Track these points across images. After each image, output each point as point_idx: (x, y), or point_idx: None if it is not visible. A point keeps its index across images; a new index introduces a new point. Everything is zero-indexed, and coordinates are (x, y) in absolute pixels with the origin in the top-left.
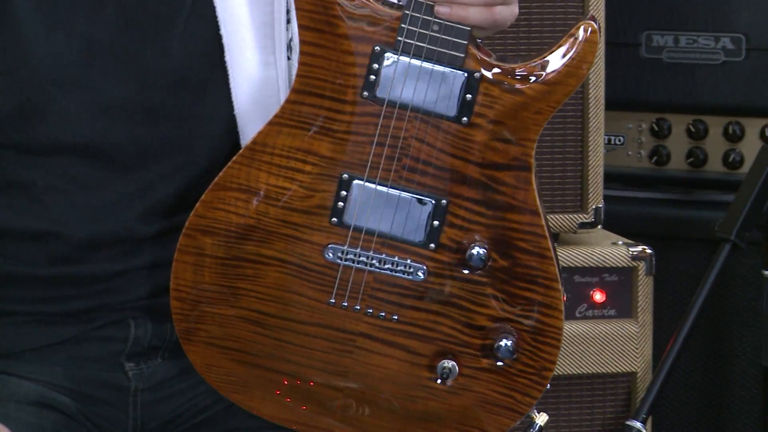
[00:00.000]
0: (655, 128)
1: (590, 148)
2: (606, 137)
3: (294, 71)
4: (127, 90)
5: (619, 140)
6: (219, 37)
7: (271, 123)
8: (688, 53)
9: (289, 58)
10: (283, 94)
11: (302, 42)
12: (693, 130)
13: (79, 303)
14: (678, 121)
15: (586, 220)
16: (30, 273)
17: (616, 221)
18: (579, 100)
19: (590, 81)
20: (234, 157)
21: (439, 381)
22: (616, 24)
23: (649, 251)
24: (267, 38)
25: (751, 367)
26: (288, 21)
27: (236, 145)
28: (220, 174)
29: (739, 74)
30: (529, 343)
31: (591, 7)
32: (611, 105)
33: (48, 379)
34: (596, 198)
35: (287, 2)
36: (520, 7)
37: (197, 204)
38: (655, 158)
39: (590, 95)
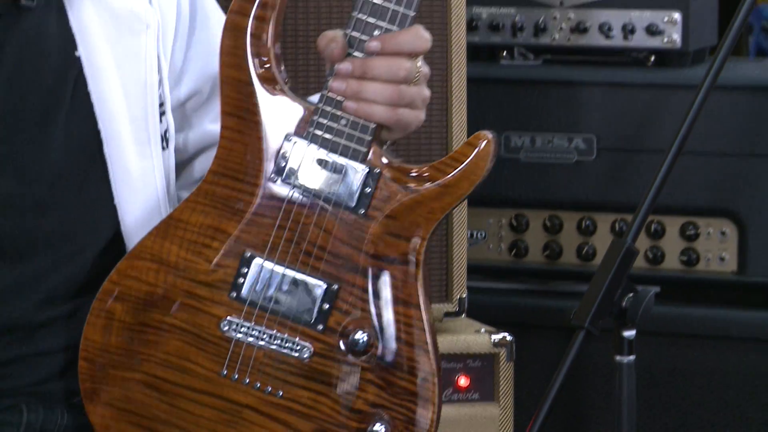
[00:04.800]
0: (514, 223)
1: (454, 243)
2: (469, 232)
3: (171, 161)
4: (10, 185)
5: (481, 235)
6: (97, 132)
7: (187, 200)
8: (544, 153)
9: (164, 149)
10: (160, 183)
11: (223, 127)
12: (549, 225)
13: None
14: (535, 217)
15: (451, 310)
16: None
17: (479, 310)
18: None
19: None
20: (151, 229)
21: None
22: (478, 126)
23: (509, 338)
24: (142, 131)
25: None
26: (162, 113)
27: (118, 232)
28: (136, 244)
29: (591, 173)
30: None
31: (454, 110)
32: (473, 202)
33: None
34: (460, 289)
35: (160, 96)
36: None
37: (112, 272)
38: (514, 251)
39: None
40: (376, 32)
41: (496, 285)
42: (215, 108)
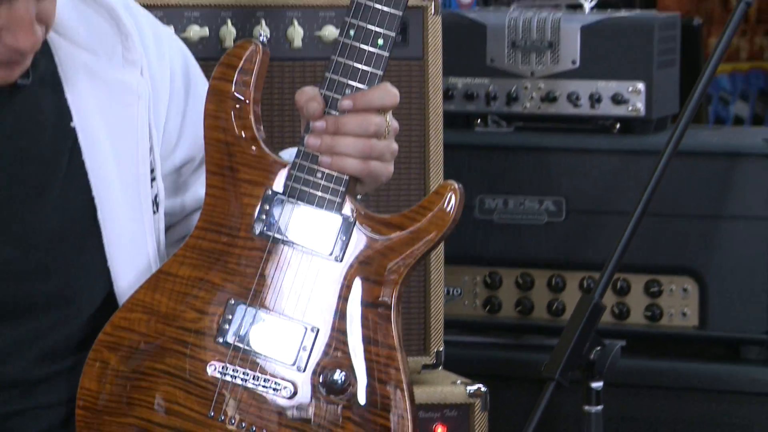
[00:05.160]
0: (488, 281)
1: (432, 299)
2: (445, 289)
3: (161, 224)
4: (10, 252)
5: (457, 291)
6: (92, 199)
7: (176, 255)
8: (516, 214)
9: (155, 212)
10: (151, 245)
11: (208, 185)
12: (521, 282)
13: None
14: (508, 275)
15: (428, 362)
16: None
17: (455, 363)
18: None
19: None
20: (142, 283)
21: None
22: None
23: (484, 389)
24: (134, 197)
25: None
26: (153, 179)
27: (111, 291)
28: (129, 298)
29: (560, 233)
30: None
31: (431, 173)
32: (450, 260)
33: None
34: (437, 342)
35: (151, 162)
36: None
37: (106, 324)
38: (488, 307)
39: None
40: (348, 91)
41: (471, 339)
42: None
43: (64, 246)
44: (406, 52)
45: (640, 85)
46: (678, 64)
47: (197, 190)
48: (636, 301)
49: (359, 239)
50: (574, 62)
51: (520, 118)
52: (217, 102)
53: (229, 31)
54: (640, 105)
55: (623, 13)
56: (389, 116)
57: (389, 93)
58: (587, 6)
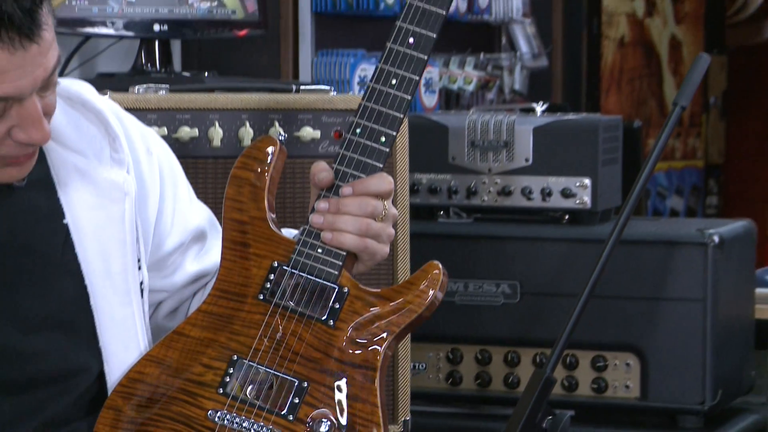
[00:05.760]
0: (450, 356)
1: (399, 373)
2: (411, 363)
3: (146, 306)
4: (11, 335)
5: (422, 366)
6: (84, 287)
7: (189, 318)
8: (475, 296)
9: (141, 296)
10: (139, 326)
11: (223, 258)
12: (480, 357)
13: None
14: (468, 351)
15: (397, 431)
16: None
17: (421, 431)
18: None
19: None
20: (159, 341)
21: None
22: None
23: None
24: (122, 284)
25: None
26: (139, 267)
27: (102, 370)
28: (145, 354)
29: (515, 313)
30: None
31: (399, 260)
32: (415, 338)
33: None
34: (405, 412)
35: (138, 252)
36: None
37: (123, 376)
38: (450, 380)
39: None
40: (351, 179)
41: (435, 409)
42: (193, 251)
43: (60, 330)
44: None
45: (587, 181)
46: (620, 161)
47: (186, 268)
48: (584, 375)
49: (352, 308)
50: (527, 160)
51: (479, 210)
52: (237, 187)
53: (216, 132)
54: (587, 198)
55: (571, 115)
56: (388, 203)
57: (385, 180)
58: (539, 109)
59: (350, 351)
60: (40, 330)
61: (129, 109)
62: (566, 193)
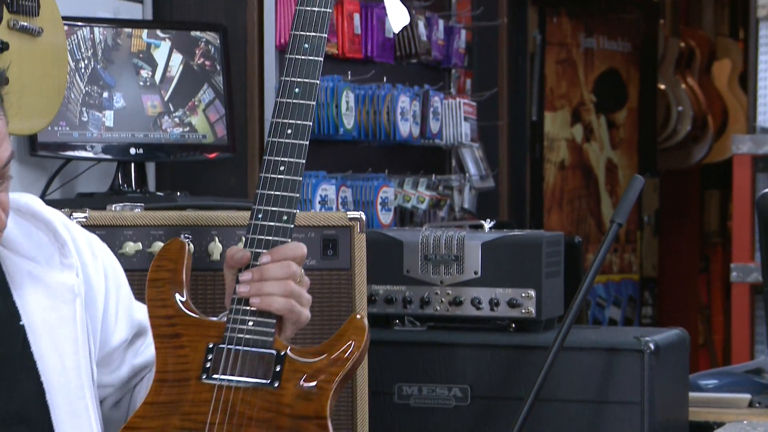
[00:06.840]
0: None
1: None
2: None
3: (97, 401)
4: None
5: None
6: (41, 383)
7: (137, 412)
8: (429, 399)
9: (93, 390)
10: (94, 419)
11: (157, 350)
12: None
13: None
14: None
15: None
16: None
17: None
18: (349, 396)
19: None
20: None
21: None
22: (376, 377)
23: None
24: (76, 378)
25: None
26: (91, 361)
27: None
28: None
29: (466, 415)
30: None
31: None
32: None
33: None
34: None
35: (89, 348)
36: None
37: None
38: None
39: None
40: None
41: None
42: (135, 346)
43: (23, 425)
44: (336, 263)
45: (532, 292)
46: (562, 274)
47: (131, 362)
48: None
49: (291, 367)
50: (476, 273)
51: (432, 318)
52: (156, 288)
53: (158, 246)
54: (532, 308)
55: (516, 232)
56: (302, 271)
57: (299, 246)
58: (487, 226)
59: (299, 406)
60: (4, 426)
61: (106, 226)
62: (513, 303)
